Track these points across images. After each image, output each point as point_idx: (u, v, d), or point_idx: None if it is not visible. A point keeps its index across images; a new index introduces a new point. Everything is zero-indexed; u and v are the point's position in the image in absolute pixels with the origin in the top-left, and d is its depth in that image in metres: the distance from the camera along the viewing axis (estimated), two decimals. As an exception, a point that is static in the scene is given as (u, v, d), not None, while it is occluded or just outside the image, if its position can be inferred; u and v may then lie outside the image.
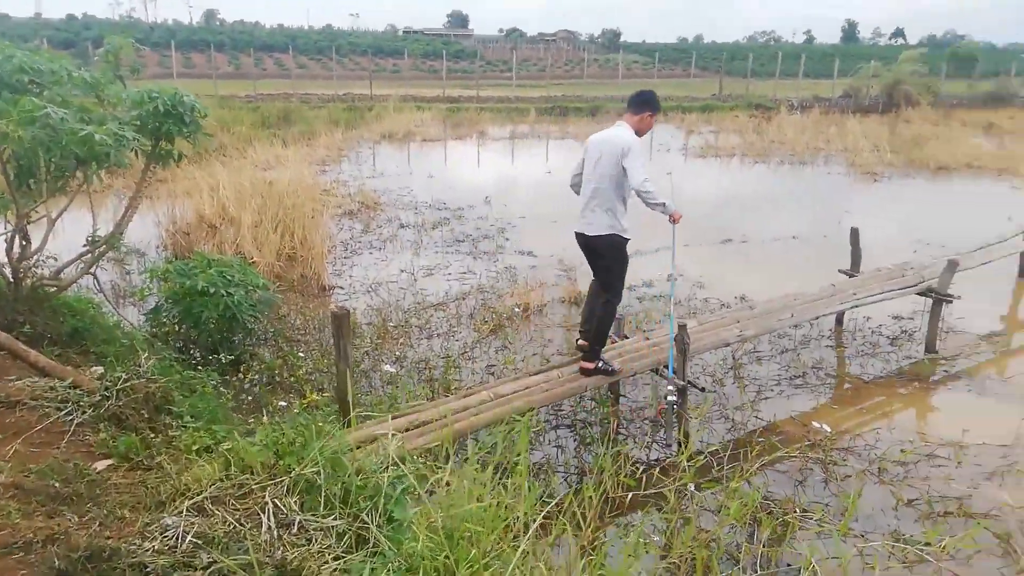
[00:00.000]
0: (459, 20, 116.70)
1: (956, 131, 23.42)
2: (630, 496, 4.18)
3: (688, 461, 4.34)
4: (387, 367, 6.05)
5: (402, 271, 8.97)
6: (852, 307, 6.27)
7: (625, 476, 4.25)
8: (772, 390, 5.88)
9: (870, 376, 6.17)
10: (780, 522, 3.97)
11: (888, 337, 6.94)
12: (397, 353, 6.44)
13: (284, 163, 14.10)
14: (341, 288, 8.37)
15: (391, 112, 26.67)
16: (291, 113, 24.14)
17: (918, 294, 6.58)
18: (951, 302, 6.46)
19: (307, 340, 6.74)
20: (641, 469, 4.42)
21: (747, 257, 9.86)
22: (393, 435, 3.89)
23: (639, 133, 4.81)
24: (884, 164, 17.71)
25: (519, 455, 3.44)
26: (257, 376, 5.73)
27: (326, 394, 5.42)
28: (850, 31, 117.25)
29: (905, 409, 5.64)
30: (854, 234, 7.22)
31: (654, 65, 46.23)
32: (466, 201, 13.23)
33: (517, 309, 7.51)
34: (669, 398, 4.83)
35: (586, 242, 4.94)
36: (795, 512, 4.08)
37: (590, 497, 3.49)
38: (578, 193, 5.01)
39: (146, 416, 3.78)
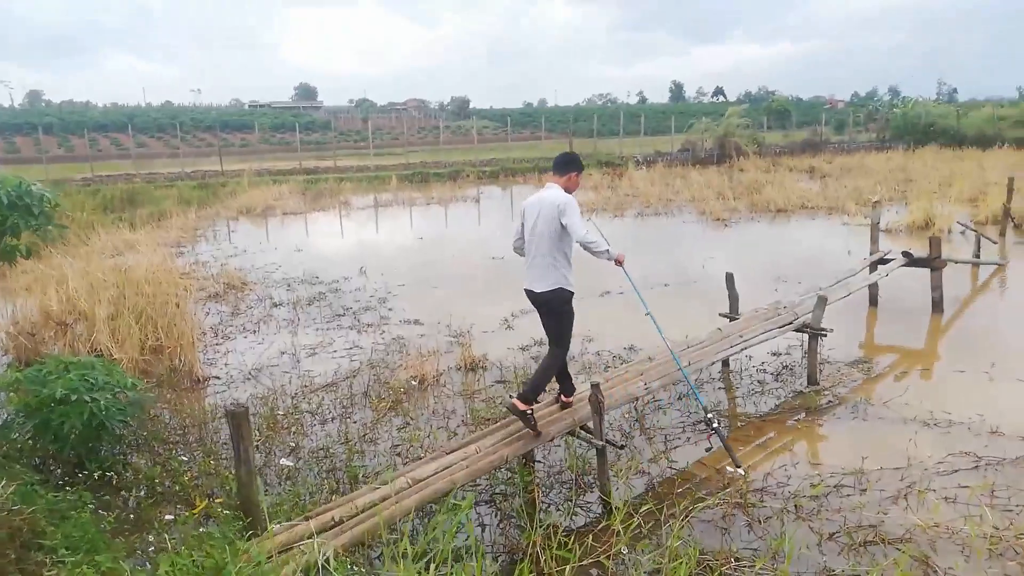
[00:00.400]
0: (307, 92, 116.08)
1: (785, 176, 25.67)
2: (567, 569, 4.01)
3: (619, 524, 4.27)
4: (283, 461, 5.59)
5: (283, 353, 8.46)
6: (741, 349, 6.52)
7: (558, 548, 4.10)
8: (679, 438, 5.95)
9: (763, 413, 6.40)
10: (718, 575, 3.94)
11: (772, 374, 7.28)
12: (291, 443, 5.98)
13: (135, 248, 13.15)
14: (218, 378, 7.75)
15: (246, 187, 25.78)
16: (136, 194, 22.79)
17: (795, 331, 6.95)
18: (826, 335, 6.88)
19: (186, 440, 6.12)
20: (572, 538, 4.26)
21: (627, 308, 10.09)
22: (312, 539, 3.55)
23: (568, 191, 5.07)
24: (730, 210, 19.02)
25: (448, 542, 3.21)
26: (134, 488, 5.12)
27: (218, 500, 4.91)
28: (677, 91, 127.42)
29: (802, 441, 5.86)
30: (730, 279, 7.58)
31: (506, 129, 47.75)
32: (340, 273, 12.82)
33: (413, 382, 7.24)
34: (713, 425, 5.24)
35: (535, 298, 5.12)
36: (732, 563, 4.06)
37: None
38: (522, 255, 5.24)
39: (13, 557, 3.22)
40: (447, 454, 4.57)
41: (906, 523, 4.48)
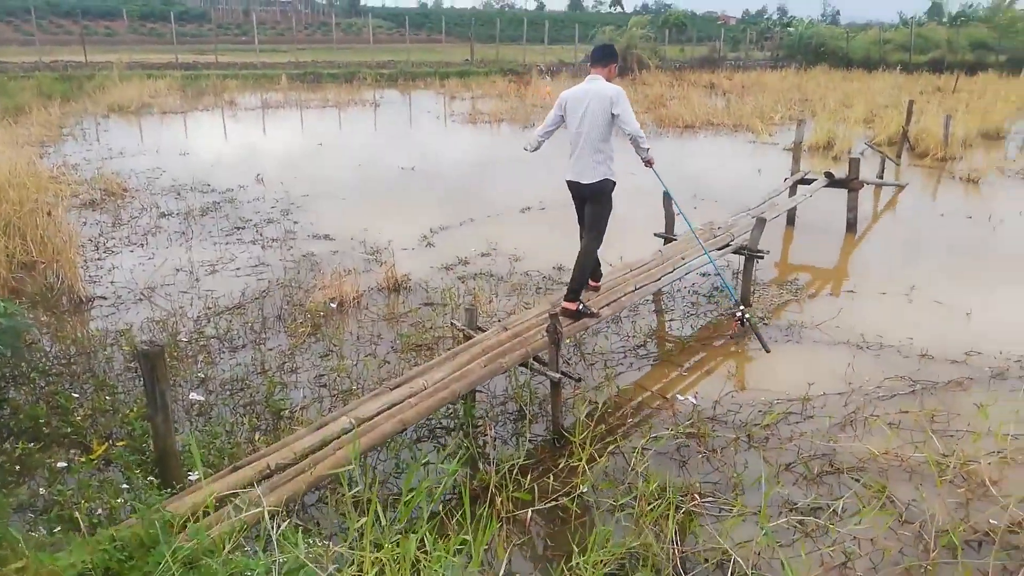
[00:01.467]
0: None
1: (688, 92, 25.66)
2: (529, 513, 3.74)
3: (583, 462, 4.02)
4: (193, 395, 4.97)
5: (178, 270, 7.60)
6: (687, 272, 6.32)
7: (514, 489, 3.81)
8: (621, 364, 5.73)
9: (704, 337, 6.28)
10: (684, 513, 3.77)
11: (704, 295, 7.17)
12: (199, 375, 5.33)
13: (-11, 146, 11.47)
14: (104, 298, 6.86)
15: (117, 82, 23.22)
16: (-16, 85, 19.99)
17: (733, 252, 6.82)
18: (763, 257, 6.79)
19: (73, 372, 5.35)
20: (528, 477, 3.98)
21: (551, 225, 9.73)
22: (245, 494, 3.07)
23: (609, 81, 5.16)
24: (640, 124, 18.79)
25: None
26: (15, 430, 4.41)
27: (120, 443, 4.29)
28: (576, 0, 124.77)
29: (744, 366, 5.78)
30: (666, 198, 7.32)
31: (404, 31, 45.20)
32: (234, 181, 11.73)
33: (332, 304, 6.65)
34: (740, 314, 5.60)
35: (581, 190, 5.25)
36: (696, 499, 3.90)
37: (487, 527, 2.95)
38: (536, 149, 5.53)
39: None
40: (391, 390, 4.12)
41: (856, 451, 4.46)
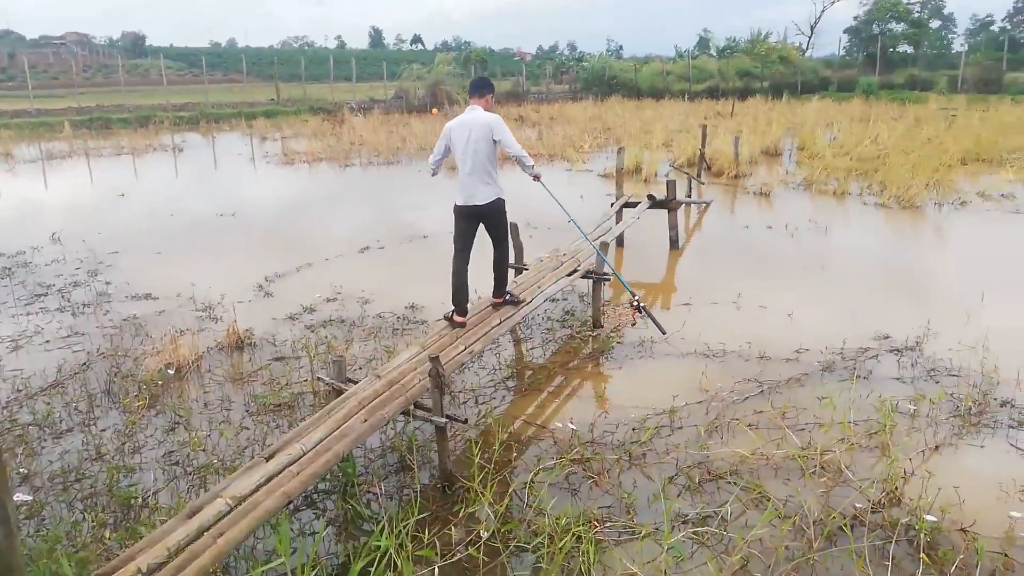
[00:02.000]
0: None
1: (502, 125, 26.45)
2: (436, 572, 3.55)
3: (486, 505, 3.92)
4: (19, 495, 4.26)
5: (-30, 351, 6.56)
6: (544, 301, 6.41)
7: (413, 545, 3.62)
8: (493, 398, 5.69)
9: (564, 362, 6.40)
10: (588, 542, 3.77)
11: (557, 320, 7.34)
12: (20, 471, 4.59)
13: None
14: None
15: None
16: None
17: (581, 277, 7.04)
18: (608, 280, 7.07)
19: None
20: (426, 532, 3.80)
21: (393, 263, 9.57)
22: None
23: (487, 111, 5.62)
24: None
25: None
26: None
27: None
28: (376, 37, 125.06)
29: (608, 385, 5.94)
30: (514, 229, 7.42)
31: (196, 71, 42.84)
32: (25, 242, 10.41)
33: (168, 370, 6.03)
34: (637, 303, 6.37)
35: (477, 212, 5.68)
36: (596, 526, 3.92)
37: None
38: (434, 174, 6.06)
39: None
40: (266, 460, 3.77)
41: (727, 456, 4.72)
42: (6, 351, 6.57)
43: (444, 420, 4.24)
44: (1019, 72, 39.04)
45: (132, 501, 4.21)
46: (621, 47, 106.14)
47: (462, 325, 5.66)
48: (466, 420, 4.64)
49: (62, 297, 8.06)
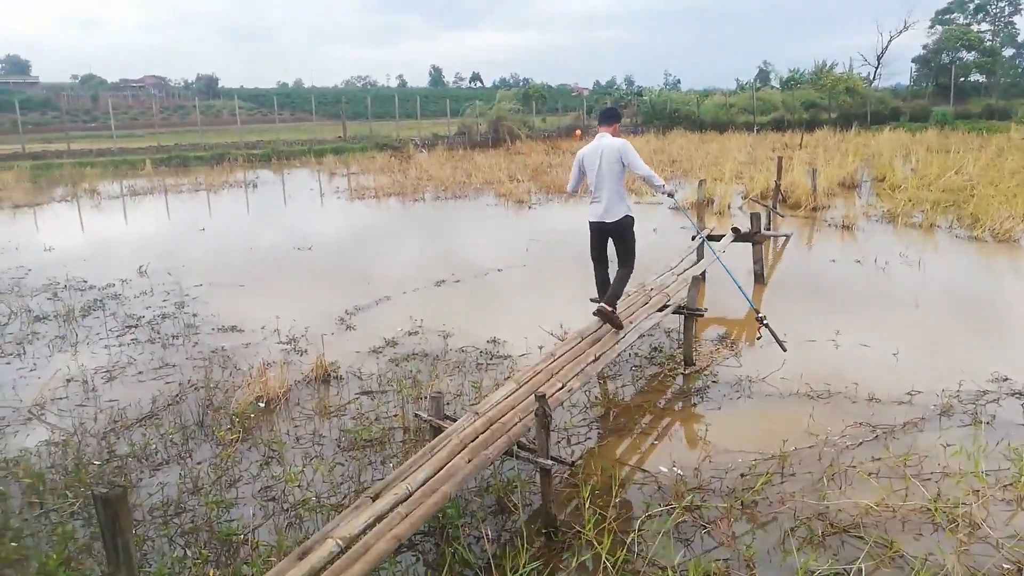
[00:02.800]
0: (17, 65, 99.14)
1: (566, 159, 26.49)
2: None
3: (605, 554, 3.70)
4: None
5: (69, 380, 6.69)
6: (638, 336, 6.20)
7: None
8: (588, 438, 5.48)
9: (655, 401, 6.16)
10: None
11: (646, 357, 7.10)
12: (120, 503, 4.58)
13: None
14: (-20, 423, 5.88)
15: (-46, 175, 21.10)
16: None
17: (673, 312, 6.81)
18: (702, 315, 6.82)
19: (-42, 517, 4.46)
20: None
21: (470, 297, 9.50)
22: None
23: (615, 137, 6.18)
24: (526, 193, 19.10)
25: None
26: None
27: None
28: (437, 75, 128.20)
29: (708, 427, 5.62)
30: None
31: (265, 111, 44.42)
32: (113, 275, 10.72)
33: (259, 403, 6.02)
34: (760, 318, 6.49)
35: (606, 229, 6.27)
36: (721, 580, 3.66)
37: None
38: (572, 194, 6.80)
39: None
40: (372, 500, 3.64)
41: (847, 506, 4.39)
42: (101, 382, 6.68)
43: (551, 463, 4.06)
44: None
45: (233, 537, 4.13)
46: (679, 80, 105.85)
47: (602, 311, 6.22)
48: (573, 463, 4.44)
49: (152, 329, 8.21)
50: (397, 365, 6.95)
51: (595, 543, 3.96)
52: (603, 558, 3.67)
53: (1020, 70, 62.75)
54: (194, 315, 8.73)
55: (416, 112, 41.63)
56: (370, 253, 12.58)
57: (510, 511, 4.43)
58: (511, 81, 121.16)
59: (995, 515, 4.29)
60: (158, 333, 8.07)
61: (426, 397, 6.00)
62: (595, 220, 6.28)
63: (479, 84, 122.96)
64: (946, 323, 7.97)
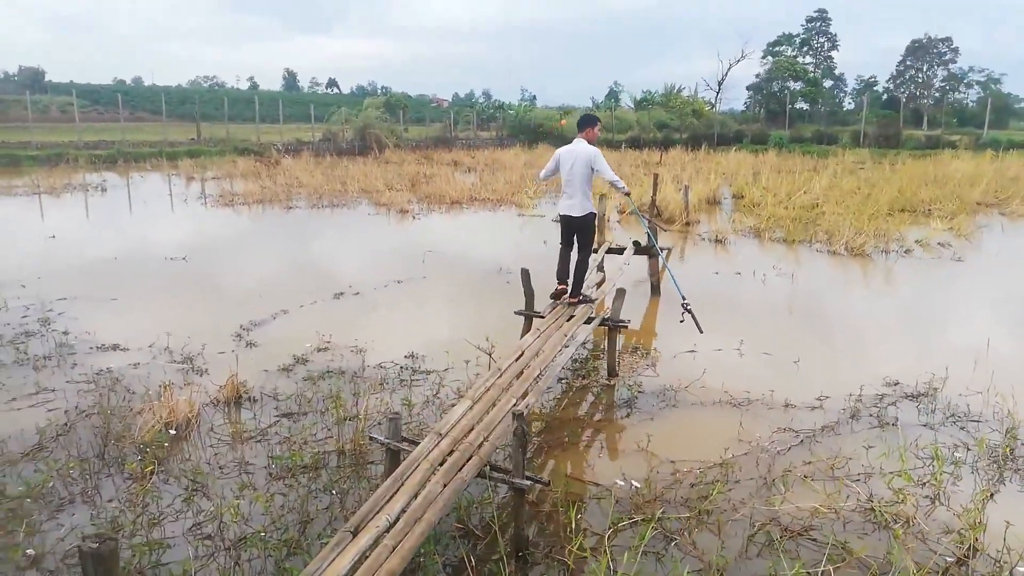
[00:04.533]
0: None
1: (440, 170, 26.39)
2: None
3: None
4: None
5: (-78, 412, 5.75)
6: (576, 348, 6.20)
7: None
8: (529, 452, 5.39)
9: (593, 414, 6.19)
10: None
11: (570, 370, 7.12)
12: (28, 551, 3.97)
13: None
14: None
15: None
16: None
17: (600, 324, 6.88)
18: (627, 326, 6.94)
19: None
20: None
21: (373, 310, 9.14)
22: None
23: (591, 142, 7.06)
24: (407, 203, 18.77)
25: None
26: None
27: None
28: (291, 79, 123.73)
29: (648, 438, 5.64)
30: (525, 275, 7.21)
31: (103, 109, 40.91)
32: (-47, 289, 9.38)
33: (171, 431, 5.44)
34: (685, 304, 7.18)
35: (570, 222, 7.19)
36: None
37: None
38: (544, 182, 8.08)
39: None
40: (352, 535, 3.37)
41: (794, 511, 4.59)
42: (-35, 413, 5.79)
43: (527, 483, 3.94)
44: (915, 129, 42.31)
45: (174, 586, 3.68)
46: (535, 96, 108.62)
47: (563, 292, 7.31)
48: (548, 482, 4.33)
49: (16, 349, 7.24)
50: (314, 384, 6.55)
51: (568, 563, 3.90)
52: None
53: (837, 100, 69.91)
54: (64, 332, 7.80)
55: (278, 116, 39.81)
56: (254, 264, 11.84)
57: (473, 534, 4.26)
58: (369, 89, 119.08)
59: (924, 511, 4.63)
60: (25, 354, 7.13)
61: (350, 419, 5.72)
62: (564, 213, 7.17)
63: (336, 90, 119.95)
64: (830, 331, 8.61)
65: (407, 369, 6.94)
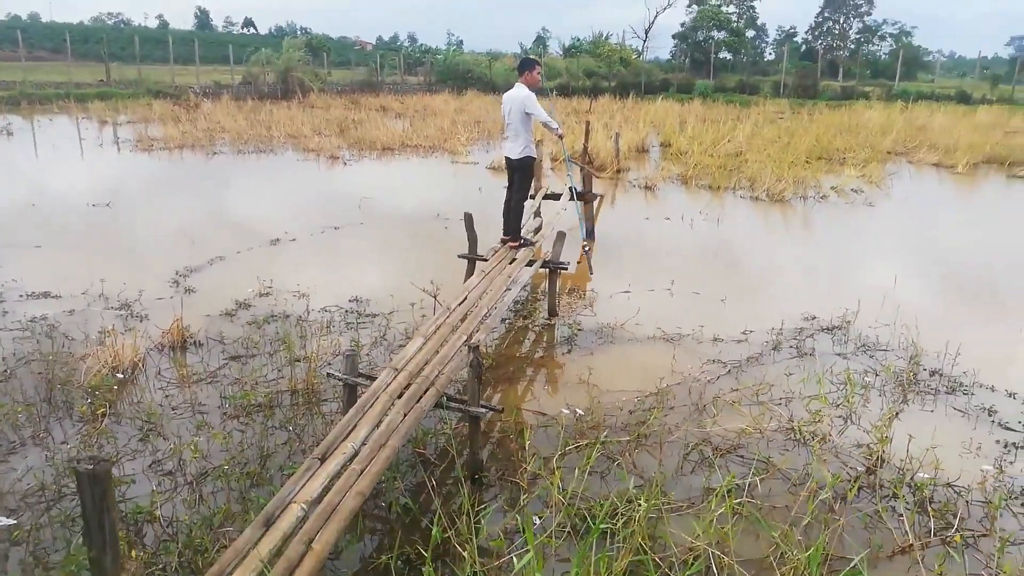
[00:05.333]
0: None
1: (371, 116, 25.86)
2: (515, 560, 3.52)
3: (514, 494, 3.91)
4: (3, 521, 3.70)
5: None
6: (520, 289, 6.42)
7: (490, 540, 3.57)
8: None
9: (537, 351, 6.47)
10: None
11: (512, 311, 7.36)
12: (-20, 494, 3.98)
13: None
14: None
15: None
16: None
17: (541, 267, 7.12)
18: (566, 268, 7.21)
19: None
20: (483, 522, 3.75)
21: (313, 256, 9.13)
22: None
23: (531, 86, 7.27)
24: (336, 148, 18.45)
25: None
26: None
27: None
28: (203, 18, 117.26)
29: (589, 372, 5.95)
30: (468, 219, 7.35)
31: (6, 46, 38.06)
32: None
33: (118, 375, 5.43)
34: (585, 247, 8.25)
35: (510, 163, 7.53)
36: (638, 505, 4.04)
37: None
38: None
39: None
40: (320, 461, 3.54)
41: (723, 432, 4.99)
42: None
43: (483, 410, 4.18)
44: (832, 80, 43.74)
45: (139, 516, 3.79)
46: (462, 41, 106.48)
47: (503, 242, 7.68)
48: (502, 409, 4.58)
49: (-61, 298, 6.99)
50: (259, 328, 6.59)
51: (521, 484, 4.19)
52: (554, 492, 3.87)
53: (759, 50, 71.30)
54: (-10, 280, 7.54)
55: (193, 57, 37.90)
56: (182, 211, 11.52)
57: (430, 461, 4.50)
58: (288, 30, 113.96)
59: (835, 430, 5.12)
60: (-50, 302, 6.89)
61: (301, 359, 5.83)
62: (505, 155, 7.61)
63: (253, 31, 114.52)
64: (754, 272, 9.11)
65: (352, 312, 7.05)
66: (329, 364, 5.76)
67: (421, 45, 71.72)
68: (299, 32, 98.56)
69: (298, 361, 5.80)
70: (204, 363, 5.85)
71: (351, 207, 11.69)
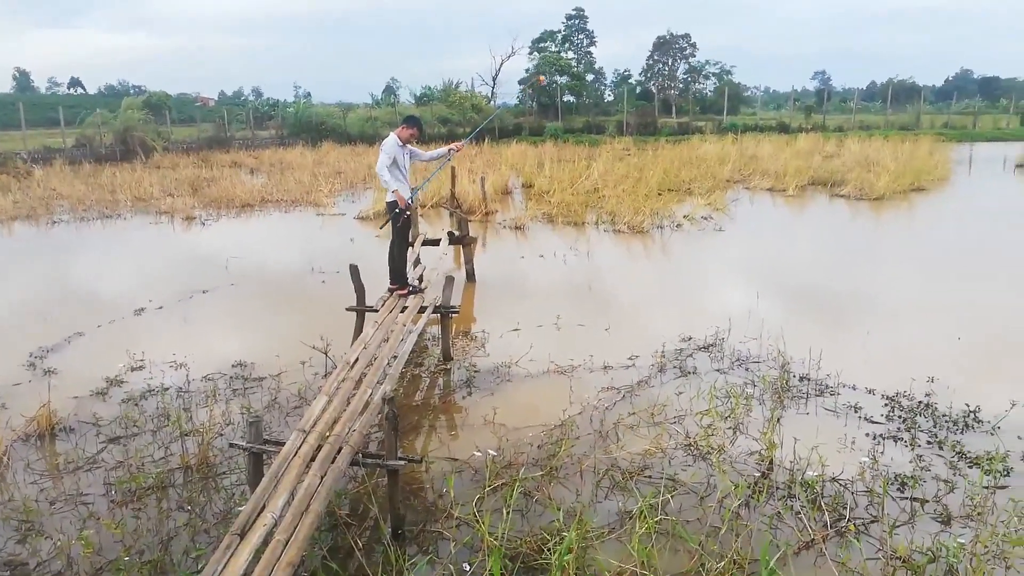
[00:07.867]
0: None
1: (224, 173, 24.89)
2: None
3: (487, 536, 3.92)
4: None
5: None
6: (416, 337, 6.38)
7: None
8: (382, 438, 5.54)
9: (437, 397, 6.45)
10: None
11: (406, 360, 7.30)
12: None
13: None
14: None
15: None
16: None
17: (433, 312, 7.13)
18: (457, 312, 7.26)
19: None
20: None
21: (187, 322, 8.63)
22: None
23: (401, 138, 7.32)
24: (190, 208, 17.61)
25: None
26: None
27: None
28: (24, 80, 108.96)
29: (493, 412, 5.98)
30: (354, 271, 7.25)
31: None
32: None
33: (-21, 473, 4.89)
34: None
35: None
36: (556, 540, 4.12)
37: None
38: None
39: None
40: (240, 537, 3.37)
41: (628, 456, 5.20)
42: None
43: (401, 463, 4.13)
44: (668, 117, 46.92)
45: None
46: (309, 93, 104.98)
47: (391, 291, 7.54)
48: (421, 459, 4.52)
49: None
50: (137, 404, 6.16)
51: (444, 533, 4.17)
52: (486, 536, 3.87)
53: (599, 92, 75.35)
54: None
55: (17, 121, 35.02)
56: (27, 287, 10.60)
57: (348, 522, 4.37)
58: (120, 88, 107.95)
59: (726, 440, 5.47)
60: None
61: (190, 433, 5.52)
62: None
63: (81, 90, 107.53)
64: (629, 300, 9.56)
65: (238, 378, 6.74)
66: (221, 435, 5.49)
67: (268, 99, 70.06)
68: (132, 91, 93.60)
69: (187, 435, 5.48)
70: (79, 449, 5.39)
71: (218, 268, 11.19)
